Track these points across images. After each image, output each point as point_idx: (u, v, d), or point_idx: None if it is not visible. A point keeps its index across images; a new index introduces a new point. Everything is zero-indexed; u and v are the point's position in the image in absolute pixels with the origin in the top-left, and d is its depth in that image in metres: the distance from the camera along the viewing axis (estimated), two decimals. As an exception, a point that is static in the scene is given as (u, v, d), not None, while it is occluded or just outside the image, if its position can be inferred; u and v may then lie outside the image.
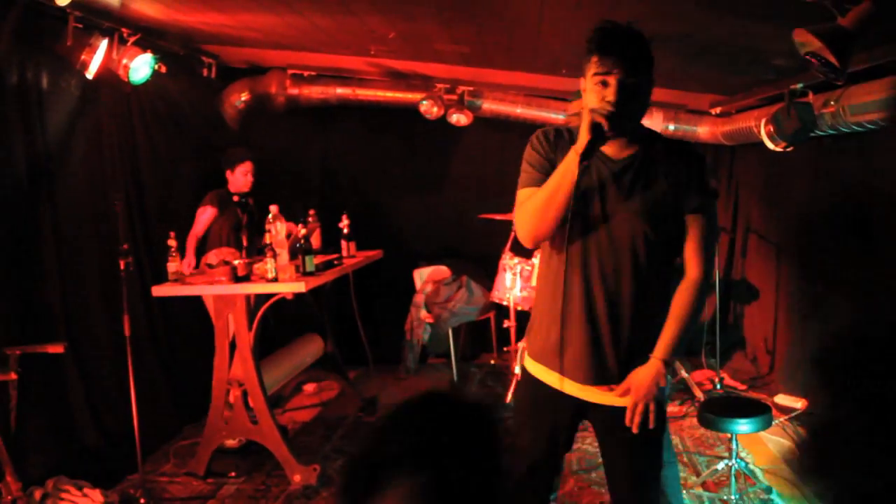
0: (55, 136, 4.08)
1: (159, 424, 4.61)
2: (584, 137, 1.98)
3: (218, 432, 4.13)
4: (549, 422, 2.29)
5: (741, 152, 5.79)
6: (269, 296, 3.98)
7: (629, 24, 2.02)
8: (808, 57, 2.54)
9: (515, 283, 5.09)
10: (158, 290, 4.01)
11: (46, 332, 3.83)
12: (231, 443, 4.33)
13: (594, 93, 2.02)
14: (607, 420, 2.22)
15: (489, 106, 5.88)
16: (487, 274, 5.85)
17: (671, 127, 5.53)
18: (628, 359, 2.15)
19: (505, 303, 5.21)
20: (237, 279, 3.92)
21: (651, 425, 2.12)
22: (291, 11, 3.92)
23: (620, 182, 2.09)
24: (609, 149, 2.11)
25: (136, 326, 3.90)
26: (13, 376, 3.13)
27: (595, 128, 1.96)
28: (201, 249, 4.85)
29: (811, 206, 4.79)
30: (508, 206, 2.30)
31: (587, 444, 4.17)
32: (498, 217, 5.28)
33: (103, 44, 4.00)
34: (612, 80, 1.98)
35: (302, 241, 4.17)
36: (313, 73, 5.90)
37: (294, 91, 5.89)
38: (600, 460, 2.39)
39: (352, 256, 4.84)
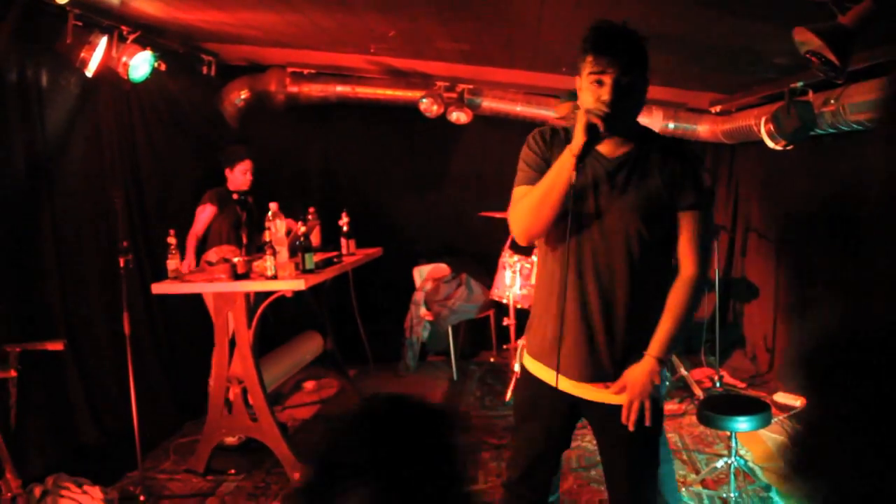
0: (55, 134, 4.08)
1: (159, 422, 4.62)
2: (579, 138, 1.99)
3: (218, 429, 4.14)
4: (547, 419, 2.30)
5: (741, 151, 5.79)
6: (269, 293, 3.98)
7: (624, 24, 2.03)
8: (808, 55, 2.54)
9: (515, 280, 5.09)
10: (158, 288, 4.01)
11: (46, 329, 3.83)
12: (231, 440, 4.34)
13: (589, 92, 2.03)
14: (604, 418, 2.23)
15: (489, 104, 5.88)
16: (487, 272, 5.85)
17: (671, 125, 5.53)
18: (623, 356, 2.16)
19: (504, 301, 5.21)
20: (237, 277, 3.92)
21: (647, 423, 2.13)
22: (291, 9, 3.92)
23: (614, 180, 2.10)
24: (604, 147, 2.12)
25: (135, 324, 3.90)
26: (13, 374, 3.12)
27: (590, 129, 1.98)
28: (201, 249, 4.85)
29: (811, 205, 4.79)
30: (508, 205, 2.31)
31: (586, 441, 4.18)
32: (497, 215, 5.28)
33: (103, 41, 3.99)
34: (607, 80, 1.99)
35: (302, 239, 4.17)
36: (313, 71, 5.90)
37: (294, 89, 5.89)
38: (599, 458, 2.40)
39: (351, 254, 4.84)
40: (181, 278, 4.04)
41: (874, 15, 2.35)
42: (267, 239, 3.94)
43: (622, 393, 2.14)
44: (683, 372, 5.19)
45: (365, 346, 5.29)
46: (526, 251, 5.10)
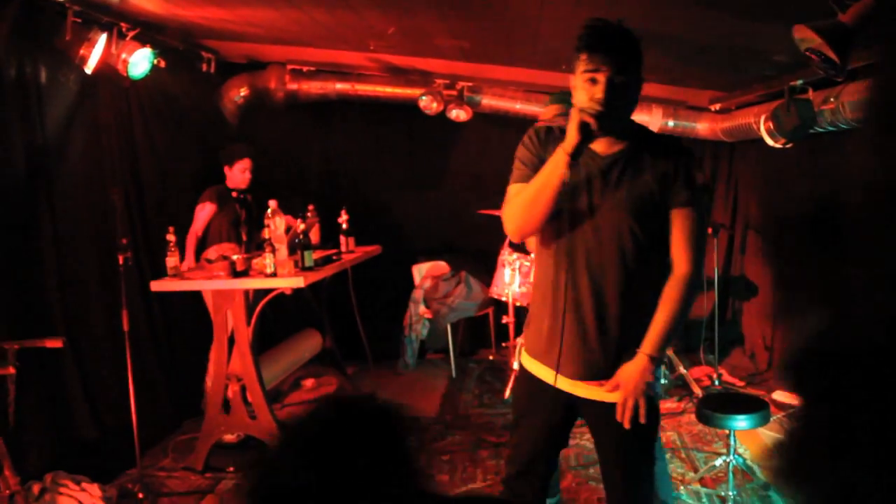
0: (54, 131, 4.07)
1: (158, 419, 4.62)
2: (572, 137, 2.00)
3: (216, 427, 4.14)
4: (544, 417, 2.31)
5: (741, 149, 5.79)
6: (268, 291, 3.98)
7: (619, 23, 2.03)
8: (808, 53, 2.54)
9: (514, 278, 5.09)
10: (157, 285, 4.01)
11: (45, 326, 3.83)
12: (229, 438, 4.34)
13: (583, 90, 2.03)
14: (600, 416, 2.23)
15: (488, 101, 5.87)
16: (486, 269, 5.85)
17: (670, 123, 5.52)
18: (617, 354, 2.16)
19: (504, 298, 5.21)
20: (236, 274, 3.92)
21: (642, 420, 2.13)
22: (291, 6, 3.91)
23: (607, 178, 2.11)
24: (598, 145, 2.12)
25: (134, 321, 3.90)
26: (11, 370, 3.12)
27: (583, 127, 1.98)
28: (201, 248, 4.85)
29: (808, 205, 4.78)
30: (506, 202, 2.32)
31: (585, 440, 4.18)
32: (497, 213, 5.20)
33: (102, 38, 3.99)
34: (600, 78, 2.00)
35: (301, 237, 4.17)
36: (312, 69, 5.90)
37: (293, 86, 5.88)
38: (597, 456, 2.41)
39: (350, 252, 4.84)
40: (180, 276, 4.04)
41: (874, 13, 2.35)
42: (266, 236, 3.94)
43: (616, 391, 2.15)
44: (682, 370, 5.19)
45: (364, 344, 5.29)
46: (525, 249, 5.10)
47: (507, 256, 5.17)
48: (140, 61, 4.25)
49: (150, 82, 4.61)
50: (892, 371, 0.59)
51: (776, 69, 4.09)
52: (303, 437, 0.93)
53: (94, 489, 3.58)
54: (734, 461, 3.49)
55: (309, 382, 5.66)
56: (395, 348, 5.94)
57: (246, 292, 3.96)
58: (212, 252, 4.67)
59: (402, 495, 0.89)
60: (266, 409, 4.03)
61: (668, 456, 4.11)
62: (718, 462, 3.68)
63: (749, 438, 4.19)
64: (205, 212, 4.84)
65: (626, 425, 2.13)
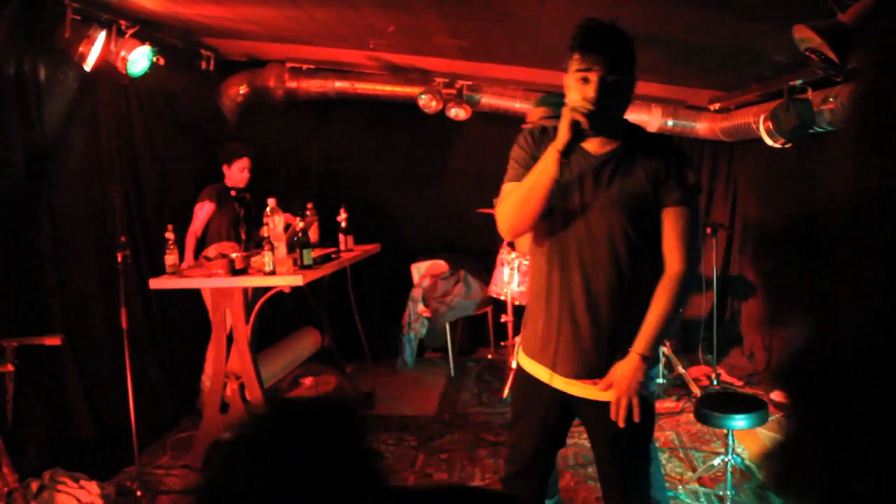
0: (53, 129, 4.07)
1: (156, 417, 4.62)
2: (563, 135, 2.00)
3: (215, 425, 4.13)
4: (542, 416, 2.32)
5: (740, 148, 5.79)
6: (267, 289, 3.98)
7: (612, 23, 2.04)
8: (807, 53, 2.54)
9: (513, 277, 5.09)
10: (156, 283, 4.01)
11: (44, 324, 3.83)
12: (228, 436, 4.33)
13: (575, 89, 2.04)
14: (594, 415, 2.24)
15: (488, 100, 5.87)
16: (485, 268, 5.85)
17: (670, 122, 5.53)
18: (610, 353, 2.17)
19: (502, 297, 5.21)
20: (234, 272, 3.92)
21: (636, 419, 2.13)
22: (290, 4, 3.91)
23: (599, 177, 2.12)
24: (590, 144, 2.13)
25: (133, 319, 3.89)
26: (10, 368, 3.12)
27: (574, 125, 1.99)
28: (200, 247, 4.84)
29: (806, 205, 4.79)
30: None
31: (583, 439, 4.16)
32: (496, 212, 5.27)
33: (101, 36, 3.98)
34: (592, 77, 2.00)
35: (300, 235, 4.17)
36: (312, 67, 5.89)
37: (293, 84, 5.88)
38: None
39: (349, 250, 4.84)
40: (179, 273, 4.03)
41: (874, 13, 2.35)
42: (265, 234, 3.94)
43: (610, 390, 2.15)
44: (681, 370, 5.19)
45: (363, 343, 5.29)
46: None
47: (506, 255, 5.17)
48: (139, 59, 4.24)
49: (149, 80, 4.61)
50: (880, 376, 0.59)
51: (776, 69, 4.09)
52: (253, 441, 0.91)
53: (93, 487, 3.58)
54: (732, 461, 3.49)
55: (308, 381, 5.66)
56: (394, 347, 5.95)
57: (245, 290, 3.95)
58: (211, 250, 4.67)
59: (360, 496, 0.88)
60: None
61: (666, 455, 4.12)
62: (717, 461, 3.68)
63: (747, 438, 4.20)
64: (204, 210, 4.84)
65: (621, 424, 2.14)
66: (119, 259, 3.64)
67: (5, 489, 3.01)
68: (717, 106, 5.33)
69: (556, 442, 2.40)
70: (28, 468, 3.53)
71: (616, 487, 2.28)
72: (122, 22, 4.18)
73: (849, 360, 0.62)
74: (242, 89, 5.81)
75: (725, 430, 3.53)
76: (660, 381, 5.26)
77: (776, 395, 4.71)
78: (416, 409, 5.11)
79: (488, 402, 5.21)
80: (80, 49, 3.92)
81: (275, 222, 3.95)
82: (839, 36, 2.39)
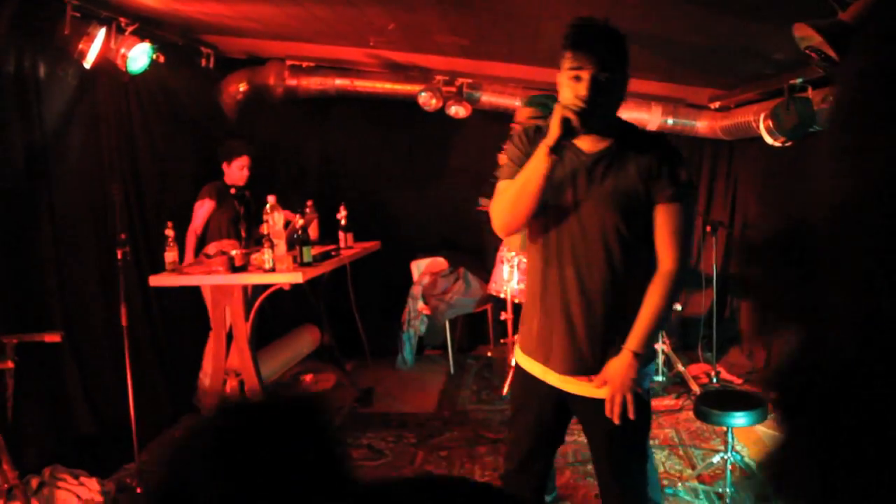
0: (53, 126, 4.07)
1: (156, 414, 4.62)
2: (553, 132, 2.01)
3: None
4: (537, 414, 2.33)
5: (740, 147, 5.79)
6: (267, 286, 3.98)
7: (605, 21, 2.05)
8: (808, 51, 2.54)
9: (513, 275, 5.09)
10: (156, 280, 4.01)
11: (43, 320, 3.83)
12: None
13: (567, 87, 2.05)
14: (589, 412, 2.25)
15: (488, 98, 5.87)
16: (485, 266, 5.85)
17: (670, 121, 5.53)
18: (604, 350, 2.18)
19: (502, 295, 5.21)
20: (234, 269, 3.92)
21: (631, 416, 2.14)
22: (290, 1, 3.90)
23: (592, 174, 2.13)
24: (583, 142, 2.14)
25: (133, 316, 3.90)
26: (10, 365, 3.12)
27: (565, 123, 1.99)
28: (200, 245, 4.84)
29: (804, 205, 4.78)
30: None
31: (583, 436, 4.17)
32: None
33: (101, 33, 3.98)
34: (584, 76, 2.01)
35: (300, 232, 4.17)
36: (312, 65, 5.89)
37: (292, 82, 5.87)
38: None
39: (349, 247, 4.84)
40: (179, 271, 4.04)
41: (874, 11, 2.35)
42: (265, 232, 3.94)
43: (605, 387, 2.16)
44: (680, 367, 5.20)
45: (362, 340, 5.30)
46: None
47: (506, 253, 5.16)
48: (139, 56, 4.24)
49: (149, 77, 4.60)
50: (864, 385, 0.59)
51: (776, 67, 4.09)
52: (209, 440, 0.88)
53: (93, 483, 3.59)
54: (732, 458, 3.50)
55: (307, 378, 5.66)
56: (394, 344, 5.95)
57: (244, 288, 3.96)
58: (211, 248, 4.67)
59: (325, 494, 0.85)
60: (264, 405, 4.02)
61: (665, 452, 4.12)
62: (716, 459, 3.68)
63: (747, 435, 4.20)
64: (204, 209, 4.83)
65: (616, 421, 2.14)
66: (119, 256, 3.64)
67: (5, 486, 3.02)
68: (717, 104, 5.33)
69: (555, 439, 2.41)
70: (28, 465, 3.53)
71: (612, 484, 2.29)
72: (122, 19, 4.17)
73: (837, 365, 0.62)
74: (242, 87, 5.80)
75: (725, 428, 3.54)
76: (659, 378, 5.27)
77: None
78: (415, 407, 5.11)
79: (488, 400, 5.21)
80: (80, 46, 3.91)
81: (275, 220, 3.95)
82: (839, 34, 2.39)
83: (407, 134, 6.38)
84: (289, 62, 5.84)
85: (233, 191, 4.92)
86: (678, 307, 5.79)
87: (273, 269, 3.87)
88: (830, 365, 0.62)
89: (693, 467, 3.93)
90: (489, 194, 4.24)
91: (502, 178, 2.24)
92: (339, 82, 5.91)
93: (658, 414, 4.68)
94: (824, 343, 0.65)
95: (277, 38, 5.26)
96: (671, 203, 2.12)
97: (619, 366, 2.13)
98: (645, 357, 2.16)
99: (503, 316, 5.31)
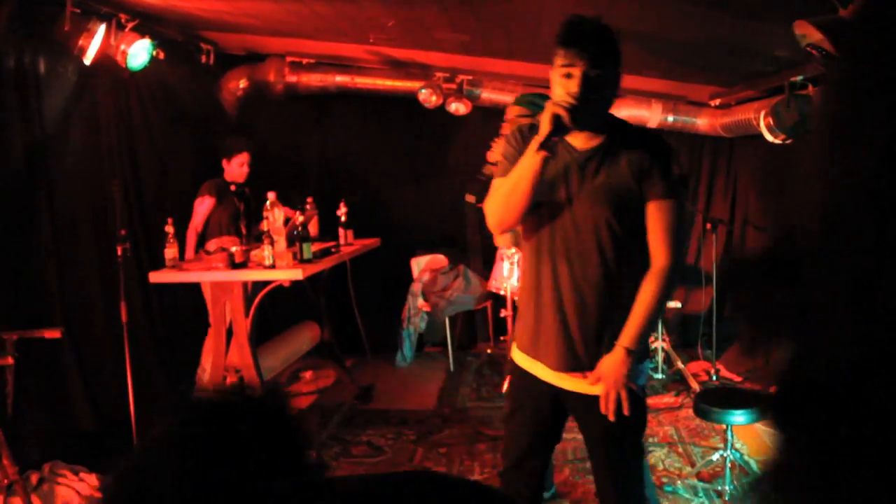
0: (53, 122, 4.07)
1: (156, 410, 4.61)
2: (544, 129, 2.02)
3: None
4: (534, 410, 2.33)
5: (740, 144, 5.79)
6: (267, 283, 3.98)
7: (597, 18, 2.05)
8: (808, 49, 2.54)
9: (513, 272, 5.09)
10: (156, 277, 4.01)
11: (43, 317, 3.83)
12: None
13: (559, 84, 2.06)
14: (584, 408, 2.25)
15: (488, 95, 5.86)
16: (485, 263, 5.85)
17: (670, 118, 5.52)
18: (597, 346, 2.18)
19: (502, 292, 5.21)
20: (234, 266, 3.92)
21: (626, 412, 2.14)
22: (291, -2, 3.90)
23: (585, 171, 2.13)
24: (576, 139, 2.14)
25: (133, 312, 3.90)
26: (10, 361, 3.12)
27: (556, 120, 2.00)
28: (201, 242, 4.84)
29: (797, 207, 4.79)
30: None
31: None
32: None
33: (101, 29, 3.97)
34: (575, 73, 2.01)
35: (300, 229, 4.17)
36: (312, 61, 5.88)
37: (292, 78, 5.87)
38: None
39: (349, 244, 4.84)
40: (179, 267, 4.04)
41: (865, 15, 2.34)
42: (265, 228, 3.94)
43: (599, 384, 2.16)
44: (680, 365, 5.20)
45: (362, 337, 5.30)
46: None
47: (506, 250, 5.17)
48: (139, 52, 4.24)
49: (149, 74, 4.59)
50: (864, 386, 0.59)
51: (776, 65, 4.08)
52: (174, 441, 0.86)
53: (92, 479, 3.59)
54: (731, 456, 3.50)
55: (307, 375, 5.67)
56: (393, 341, 5.95)
57: (244, 284, 3.96)
58: (211, 244, 4.67)
59: (296, 493, 0.82)
60: (264, 402, 4.02)
61: (665, 450, 4.12)
62: (715, 457, 3.69)
63: (746, 433, 4.20)
64: (204, 206, 4.83)
65: (611, 417, 2.15)
66: (119, 253, 3.64)
67: (5, 481, 3.02)
68: (717, 102, 5.33)
69: (552, 436, 2.41)
70: (28, 460, 3.53)
71: (609, 481, 2.29)
72: (122, 15, 4.17)
73: (837, 367, 0.62)
74: (242, 83, 5.80)
75: (724, 426, 3.54)
76: (659, 376, 5.27)
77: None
78: (415, 404, 5.11)
79: (487, 397, 5.22)
80: (80, 42, 3.91)
81: (274, 216, 3.95)
82: (840, 32, 2.39)
83: (407, 131, 6.38)
84: (289, 59, 5.83)
85: (233, 187, 4.91)
86: (678, 304, 5.79)
87: (273, 266, 3.87)
88: (830, 366, 0.62)
89: (692, 465, 3.93)
90: (473, 190, 4.25)
91: (497, 176, 2.25)
92: (340, 79, 5.90)
93: (658, 411, 4.68)
94: (823, 345, 0.65)
95: (277, 35, 5.25)
96: (663, 199, 2.13)
97: (612, 362, 2.13)
98: (638, 353, 2.16)
99: (503, 313, 5.31)
